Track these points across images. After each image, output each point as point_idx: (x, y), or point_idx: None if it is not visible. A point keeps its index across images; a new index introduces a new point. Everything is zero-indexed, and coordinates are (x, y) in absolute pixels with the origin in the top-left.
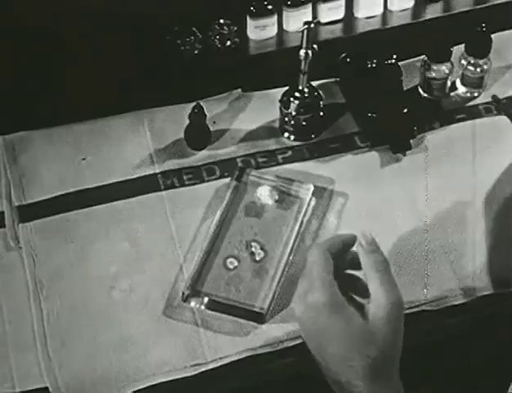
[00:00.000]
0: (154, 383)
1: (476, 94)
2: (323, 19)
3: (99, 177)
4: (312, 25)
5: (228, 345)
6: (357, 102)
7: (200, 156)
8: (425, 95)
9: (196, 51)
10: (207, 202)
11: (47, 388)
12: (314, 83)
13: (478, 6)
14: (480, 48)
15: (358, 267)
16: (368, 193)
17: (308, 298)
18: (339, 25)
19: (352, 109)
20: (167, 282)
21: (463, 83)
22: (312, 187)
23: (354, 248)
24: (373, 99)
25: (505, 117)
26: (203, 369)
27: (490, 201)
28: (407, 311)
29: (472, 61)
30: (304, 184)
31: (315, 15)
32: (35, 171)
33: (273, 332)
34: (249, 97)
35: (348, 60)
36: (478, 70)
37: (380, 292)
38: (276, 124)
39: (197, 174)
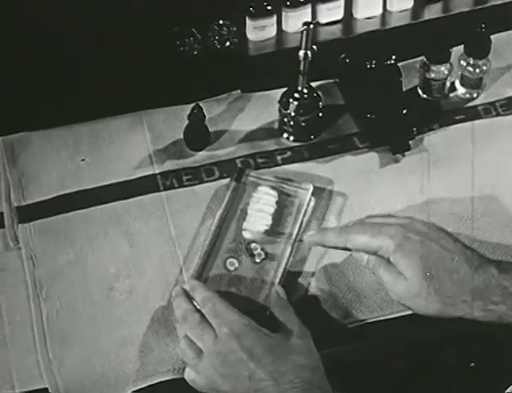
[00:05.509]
0: (154, 383)
1: (475, 95)
2: (322, 19)
3: (98, 177)
4: (312, 26)
5: None
6: (356, 103)
7: (200, 157)
8: (424, 96)
9: (195, 52)
10: (206, 203)
11: (46, 389)
12: (313, 84)
13: (478, 7)
14: (479, 49)
15: None
16: (367, 194)
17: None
18: (339, 26)
19: (352, 110)
20: (167, 283)
21: (462, 84)
22: (311, 188)
23: None
24: (372, 100)
25: (503, 118)
26: None
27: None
28: (408, 311)
29: (471, 62)
30: (304, 185)
31: (314, 16)
32: (34, 172)
33: None
34: (249, 98)
35: (348, 60)
36: (478, 70)
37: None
38: (276, 125)
39: (196, 175)
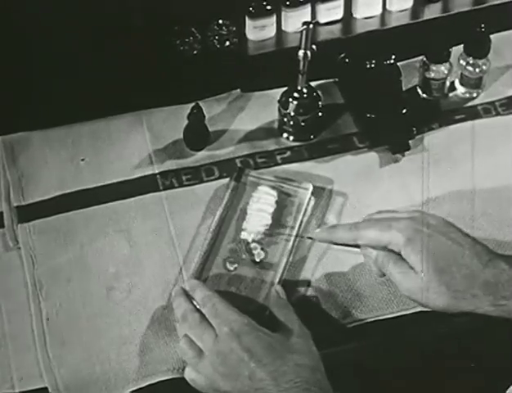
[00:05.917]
0: (154, 382)
1: (475, 95)
2: (322, 19)
3: (98, 177)
4: (311, 26)
5: None
6: (356, 103)
7: (199, 157)
8: (424, 95)
9: (195, 52)
10: (206, 203)
11: (46, 388)
12: (313, 84)
13: (477, 7)
14: (479, 49)
15: None
16: (367, 193)
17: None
18: (338, 26)
19: (351, 109)
20: (166, 283)
21: (462, 84)
22: (311, 187)
23: None
24: (372, 99)
25: (503, 118)
26: None
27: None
28: (408, 311)
29: (471, 62)
30: (303, 184)
31: (314, 16)
32: (34, 172)
33: None
34: (248, 98)
35: (347, 60)
36: (477, 70)
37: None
38: (275, 125)
39: (196, 175)
